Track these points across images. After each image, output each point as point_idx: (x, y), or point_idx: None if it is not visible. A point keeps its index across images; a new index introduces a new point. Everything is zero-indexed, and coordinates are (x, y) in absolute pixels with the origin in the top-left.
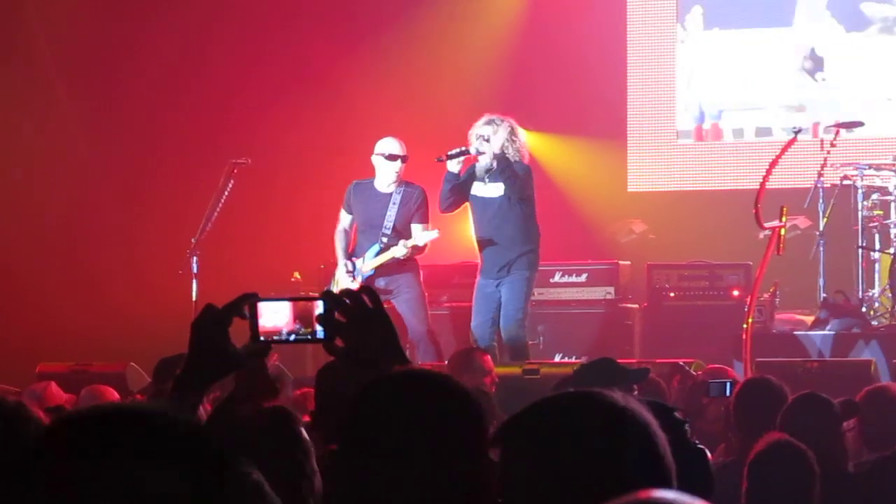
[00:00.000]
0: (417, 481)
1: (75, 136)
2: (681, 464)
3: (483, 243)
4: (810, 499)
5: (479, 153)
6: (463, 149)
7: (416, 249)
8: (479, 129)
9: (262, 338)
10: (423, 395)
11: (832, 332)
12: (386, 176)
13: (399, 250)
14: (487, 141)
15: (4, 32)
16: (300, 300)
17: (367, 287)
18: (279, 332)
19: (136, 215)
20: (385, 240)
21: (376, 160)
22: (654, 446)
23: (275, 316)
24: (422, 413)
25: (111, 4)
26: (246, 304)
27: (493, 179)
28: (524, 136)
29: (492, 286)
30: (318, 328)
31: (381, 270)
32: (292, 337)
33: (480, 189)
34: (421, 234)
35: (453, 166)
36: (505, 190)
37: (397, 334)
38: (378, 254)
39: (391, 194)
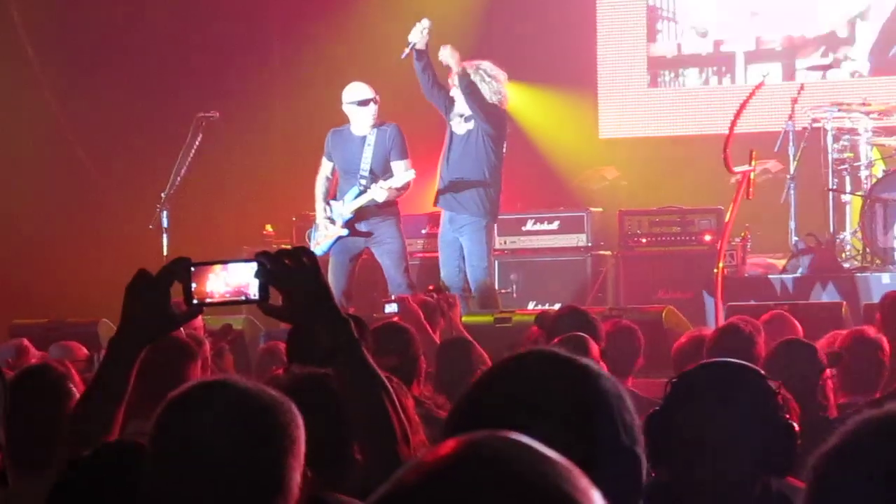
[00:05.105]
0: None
1: (43, 91)
2: (764, 439)
3: (443, 174)
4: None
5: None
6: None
7: (397, 191)
8: (442, 52)
9: (195, 300)
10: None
11: (803, 275)
12: (362, 121)
13: (378, 193)
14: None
15: None
16: (234, 262)
17: (303, 247)
18: (213, 295)
19: (106, 171)
20: (363, 181)
21: (348, 109)
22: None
23: (212, 278)
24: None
25: None
26: (179, 267)
27: (468, 120)
28: (502, 78)
29: (450, 234)
30: (253, 289)
31: (362, 216)
32: (227, 298)
33: (458, 126)
34: (399, 175)
35: (419, 44)
36: (474, 124)
37: (332, 293)
38: (357, 196)
39: (365, 136)
